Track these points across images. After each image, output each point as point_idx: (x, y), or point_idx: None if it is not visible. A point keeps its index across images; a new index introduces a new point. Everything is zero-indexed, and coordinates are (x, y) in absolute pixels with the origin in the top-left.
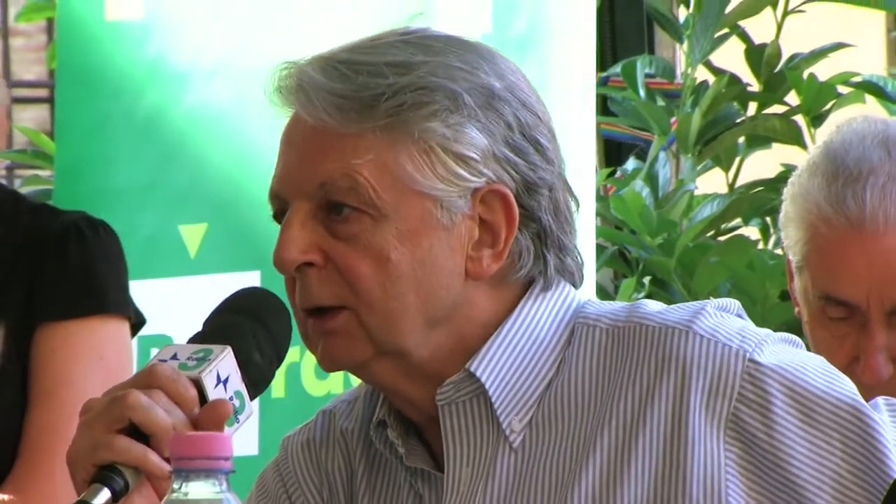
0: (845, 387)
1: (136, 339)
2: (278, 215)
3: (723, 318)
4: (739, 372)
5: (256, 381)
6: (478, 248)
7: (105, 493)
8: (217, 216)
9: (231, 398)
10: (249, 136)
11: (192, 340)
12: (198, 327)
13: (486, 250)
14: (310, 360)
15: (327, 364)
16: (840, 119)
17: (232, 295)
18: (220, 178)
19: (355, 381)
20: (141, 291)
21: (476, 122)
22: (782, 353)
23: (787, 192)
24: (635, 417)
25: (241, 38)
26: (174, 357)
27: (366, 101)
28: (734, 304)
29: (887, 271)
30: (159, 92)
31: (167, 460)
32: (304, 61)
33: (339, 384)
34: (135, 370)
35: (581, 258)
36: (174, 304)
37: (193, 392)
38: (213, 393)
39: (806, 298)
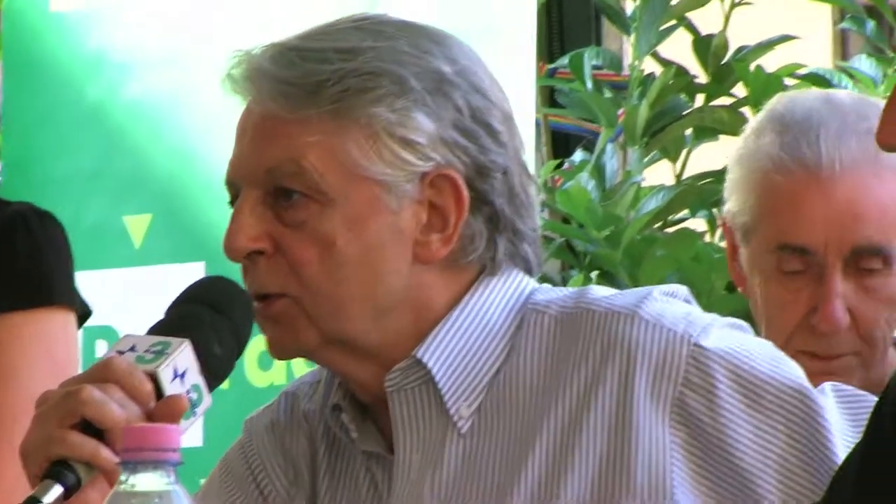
0: (791, 371)
1: (81, 330)
2: (233, 202)
3: (669, 303)
4: (685, 356)
5: (216, 373)
6: (426, 232)
7: (57, 489)
8: (161, 207)
9: (188, 391)
10: (193, 126)
11: (153, 331)
12: (143, 318)
13: (434, 234)
14: (253, 351)
15: (276, 351)
16: None
17: (195, 283)
18: (165, 169)
19: (298, 372)
20: (86, 282)
21: (423, 107)
22: (728, 337)
23: (733, 159)
24: (581, 402)
25: (184, 29)
26: (132, 349)
27: (310, 87)
28: (682, 289)
29: (844, 215)
30: (103, 82)
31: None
32: (256, 50)
33: (282, 375)
34: (80, 361)
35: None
36: (119, 295)
37: (149, 386)
38: (170, 387)
39: (756, 263)
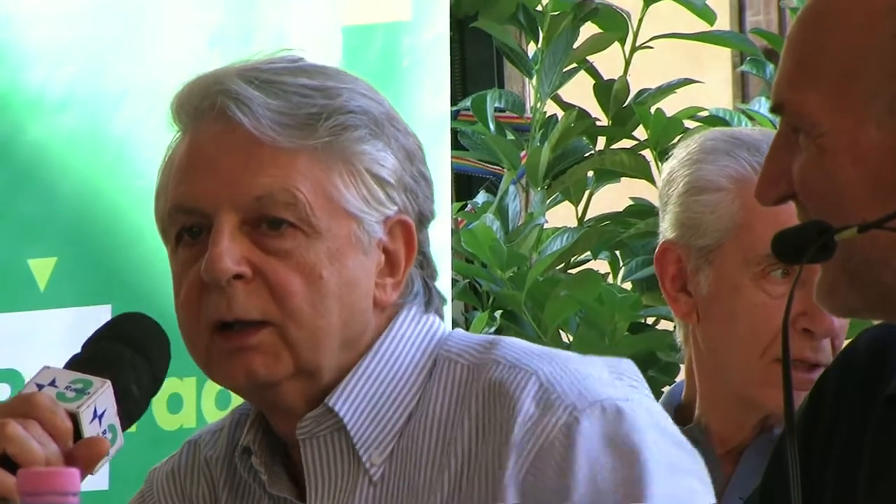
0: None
1: None
2: (186, 231)
3: (576, 372)
4: (559, 425)
5: (131, 413)
6: (382, 275)
7: None
8: (67, 249)
9: (105, 431)
10: (100, 166)
11: (71, 364)
12: (48, 361)
13: (388, 279)
14: (162, 394)
15: (240, 381)
16: None
17: (115, 319)
18: (70, 210)
19: (208, 415)
20: None
21: (390, 149)
22: (611, 421)
23: (680, 188)
24: (470, 453)
25: (90, 68)
26: (52, 383)
27: (304, 119)
28: (628, 365)
29: None
30: (8, 122)
31: None
32: (225, 76)
33: (192, 418)
34: None
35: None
36: (24, 338)
37: (69, 425)
38: (89, 428)
39: (731, 277)
